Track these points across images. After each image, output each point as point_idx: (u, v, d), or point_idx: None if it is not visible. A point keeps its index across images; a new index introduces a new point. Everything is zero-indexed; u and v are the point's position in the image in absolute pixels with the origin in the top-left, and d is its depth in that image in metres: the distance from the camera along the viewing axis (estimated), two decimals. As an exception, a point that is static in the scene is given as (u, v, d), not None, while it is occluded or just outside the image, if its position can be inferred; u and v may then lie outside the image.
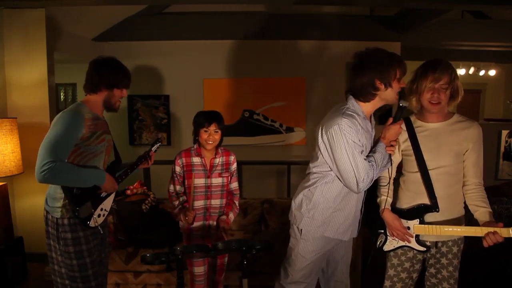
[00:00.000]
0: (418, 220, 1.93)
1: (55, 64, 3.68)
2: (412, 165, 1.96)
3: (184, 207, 2.36)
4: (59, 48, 3.84)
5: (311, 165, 2.02)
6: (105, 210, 2.11)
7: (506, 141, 5.34)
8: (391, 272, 2.06)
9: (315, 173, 1.99)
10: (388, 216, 1.99)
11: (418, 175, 1.93)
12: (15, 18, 3.41)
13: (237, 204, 2.51)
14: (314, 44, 5.08)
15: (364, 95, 1.87)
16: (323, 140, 1.89)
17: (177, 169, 2.39)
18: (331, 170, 1.92)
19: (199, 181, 2.37)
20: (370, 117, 1.98)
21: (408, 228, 1.96)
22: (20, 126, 3.23)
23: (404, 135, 1.97)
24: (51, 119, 2.61)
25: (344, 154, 1.80)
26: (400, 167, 2.08)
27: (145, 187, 3.33)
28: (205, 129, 2.32)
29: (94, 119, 2.01)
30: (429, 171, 1.90)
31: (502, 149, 5.35)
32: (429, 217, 1.92)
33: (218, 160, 2.41)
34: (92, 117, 1.99)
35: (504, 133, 5.33)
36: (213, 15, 4.90)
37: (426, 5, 3.73)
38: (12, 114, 3.43)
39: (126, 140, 5.20)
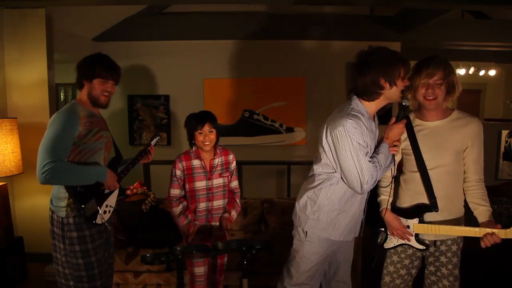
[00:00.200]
0: (417, 219, 1.94)
1: (55, 64, 3.68)
2: (411, 164, 1.97)
3: (186, 217, 2.35)
4: (59, 48, 3.83)
5: (314, 166, 2.00)
6: (110, 206, 2.12)
7: (506, 141, 5.33)
8: (390, 268, 2.07)
9: (319, 174, 1.96)
10: (388, 216, 2.01)
11: (418, 174, 1.93)
12: (15, 18, 3.41)
13: (238, 202, 2.51)
14: (314, 44, 5.08)
15: (368, 94, 1.84)
16: (327, 141, 1.87)
17: (178, 172, 2.37)
18: (336, 171, 1.90)
19: (200, 184, 2.36)
20: (374, 116, 1.97)
21: (408, 226, 1.97)
22: (20, 126, 3.23)
23: (404, 134, 1.96)
24: (51, 119, 2.61)
25: (349, 156, 1.78)
26: (400, 166, 2.08)
27: (145, 187, 3.33)
28: (199, 131, 2.29)
29: (89, 116, 2.01)
30: (429, 171, 1.90)
31: (502, 149, 5.33)
32: (428, 216, 1.92)
33: (218, 161, 2.41)
34: (87, 115, 2.00)
35: (504, 133, 5.32)
36: (213, 15, 4.90)
37: (426, 5, 3.73)
38: (12, 114, 3.43)
39: (126, 140, 5.20)
